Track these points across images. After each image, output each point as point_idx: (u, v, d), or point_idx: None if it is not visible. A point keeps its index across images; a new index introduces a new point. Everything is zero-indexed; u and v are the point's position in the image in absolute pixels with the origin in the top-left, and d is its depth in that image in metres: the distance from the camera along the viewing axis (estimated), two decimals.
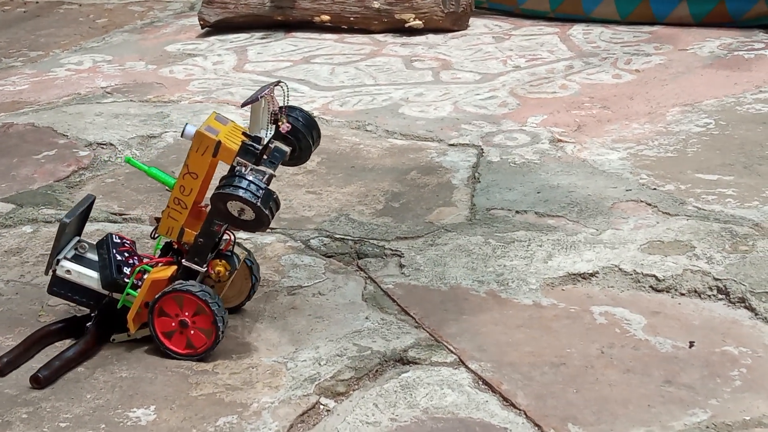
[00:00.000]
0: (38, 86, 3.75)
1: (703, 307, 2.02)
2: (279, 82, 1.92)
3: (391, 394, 1.79)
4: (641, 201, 2.46)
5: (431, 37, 4.11)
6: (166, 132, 3.14)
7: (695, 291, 2.06)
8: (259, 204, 1.78)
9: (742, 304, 2.00)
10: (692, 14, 3.96)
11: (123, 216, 2.58)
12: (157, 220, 1.95)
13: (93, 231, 2.48)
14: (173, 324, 1.89)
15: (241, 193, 1.78)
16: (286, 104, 1.93)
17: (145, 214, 2.58)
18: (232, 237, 1.97)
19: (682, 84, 3.32)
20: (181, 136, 1.89)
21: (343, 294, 2.13)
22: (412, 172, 2.74)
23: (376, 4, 4.19)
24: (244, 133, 1.87)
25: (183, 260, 1.91)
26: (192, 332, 1.88)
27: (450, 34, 4.14)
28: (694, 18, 3.96)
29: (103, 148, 3.04)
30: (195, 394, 1.81)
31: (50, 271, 1.96)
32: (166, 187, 1.95)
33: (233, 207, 1.80)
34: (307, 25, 4.32)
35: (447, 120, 3.13)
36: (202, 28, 4.42)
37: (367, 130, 3.08)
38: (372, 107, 3.27)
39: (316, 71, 3.75)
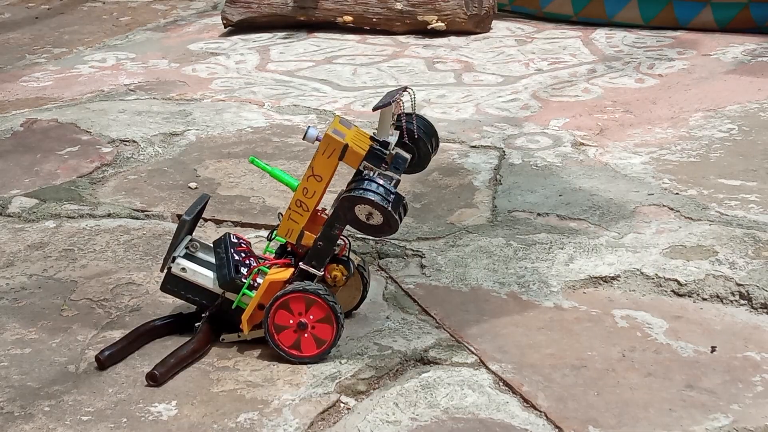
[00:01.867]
0: (62, 83, 3.77)
1: (725, 312, 2.01)
2: (406, 87, 1.90)
3: (412, 393, 1.79)
4: (663, 205, 2.45)
5: (453, 39, 4.12)
6: (188, 130, 3.15)
7: (717, 296, 2.06)
8: (389, 208, 1.77)
9: (765, 310, 2.00)
10: (716, 20, 3.95)
11: (145, 213, 2.59)
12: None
13: (115, 227, 2.50)
14: (291, 322, 1.87)
15: (371, 196, 1.77)
16: (413, 110, 1.92)
17: (167, 210, 2.59)
18: (348, 242, 1.95)
19: (706, 89, 3.31)
20: (303, 138, 1.89)
21: None
22: (434, 173, 2.74)
23: (399, 6, 4.20)
24: (371, 138, 1.86)
25: (301, 263, 1.89)
26: (306, 336, 1.87)
27: (472, 37, 4.14)
28: (718, 23, 3.94)
29: (125, 144, 3.05)
30: (216, 390, 1.82)
31: (165, 268, 1.96)
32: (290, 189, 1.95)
33: (361, 211, 1.80)
34: (329, 25, 4.33)
35: (469, 122, 3.13)
36: (225, 27, 4.43)
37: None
38: None
39: (339, 72, 3.75)
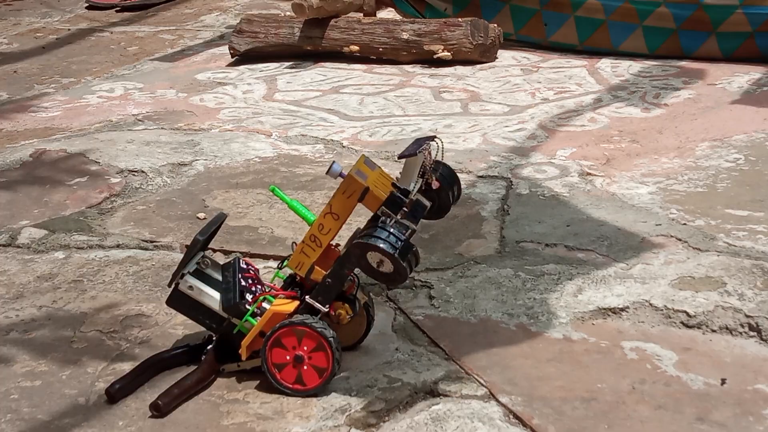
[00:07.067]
0: (70, 113, 3.79)
1: (734, 344, 2.01)
2: (435, 137, 1.91)
3: (422, 426, 1.79)
4: (671, 236, 2.45)
5: (460, 69, 4.13)
6: (196, 160, 3.17)
7: (727, 328, 2.06)
8: (396, 256, 1.78)
9: None
10: (721, 49, 3.96)
11: (154, 243, 2.59)
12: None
13: (124, 258, 2.50)
14: (287, 358, 1.87)
15: (380, 244, 1.78)
16: (435, 159, 1.92)
17: (175, 241, 2.59)
18: (356, 280, 1.96)
19: (712, 119, 3.32)
20: (327, 173, 1.90)
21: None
22: None
23: (405, 35, 4.22)
24: (393, 184, 1.87)
25: (307, 297, 1.90)
26: (306, 368, 1.87)
27: (478, 66, 4.16)
28: (723, 53, 3.96)
29: (134, 175, 3.07)
30: (226, 422, 1.82)
31: (173, 283, 1.96)
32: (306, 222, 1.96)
33: (372, 258, 1.81)
34: (336, 55, 4.35)
35: (476, 151, 3.14)
36: (232, 57, 4.46)
37: (396, 161, 3.09)
38: (401, 138, 3.29)
39: (346, 101, 3.77)
